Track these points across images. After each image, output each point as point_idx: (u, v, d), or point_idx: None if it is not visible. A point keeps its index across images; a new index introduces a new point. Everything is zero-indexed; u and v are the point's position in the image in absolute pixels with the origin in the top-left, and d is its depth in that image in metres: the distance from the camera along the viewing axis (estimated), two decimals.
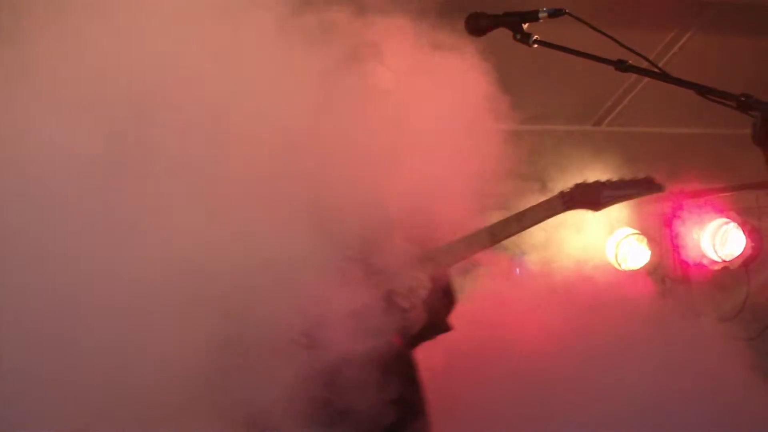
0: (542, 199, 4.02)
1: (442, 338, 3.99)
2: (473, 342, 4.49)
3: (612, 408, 4.63)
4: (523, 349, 4.61)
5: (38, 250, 3.12)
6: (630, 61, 3.11)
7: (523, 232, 4.02)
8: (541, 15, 3.19)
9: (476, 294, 4.64)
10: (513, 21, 3.20)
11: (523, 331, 4.67)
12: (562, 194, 3.93)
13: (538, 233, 4.95)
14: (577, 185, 3.94)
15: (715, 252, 5.98)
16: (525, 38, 3.20)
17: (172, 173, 3.21)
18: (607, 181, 3.98)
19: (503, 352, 4.58)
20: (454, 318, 3.97)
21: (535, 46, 3.20)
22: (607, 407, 4.62)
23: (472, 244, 3.84)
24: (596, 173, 5.09)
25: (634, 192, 4.00)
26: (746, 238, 5.93)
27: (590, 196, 3.93)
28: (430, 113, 3.63)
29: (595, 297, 5.07)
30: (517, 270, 5.32)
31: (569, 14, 3.17)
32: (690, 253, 6.04)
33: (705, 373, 4.99)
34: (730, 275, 6.06)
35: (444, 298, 3.89)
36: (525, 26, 3.20)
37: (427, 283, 3.72)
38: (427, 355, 3.97)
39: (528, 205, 3.98)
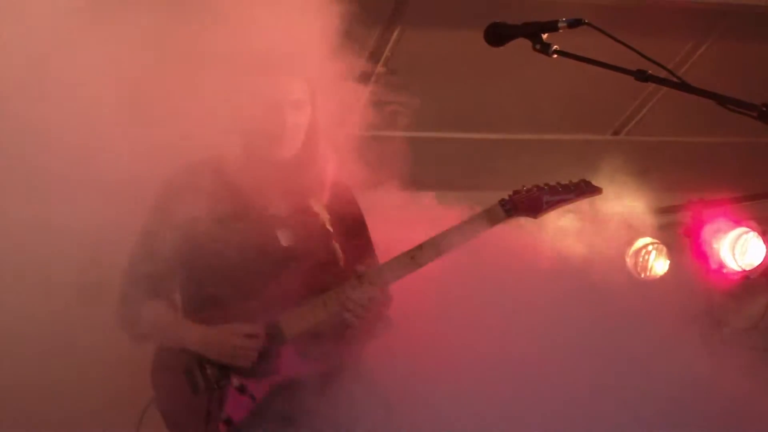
0: None
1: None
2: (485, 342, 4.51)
3: (629, 414, 4.62)
4: (538, 356, 4.61)
5: None
6: (649, 71, 3.11)
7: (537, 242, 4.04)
8: (560, 25, 3.19)
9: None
10: (532, 31, 3.21)
11: (538, 340, 4.67)
12: (502, 202, 3.92)
13: (559, 243, 4.95)
14: (516, 192, 3.93)
15: (735, 261, 5.96)
16: (544, 48, 3.21)
17: None
18: (546, 185, 3.96)
19: (517, 359, 4.58)
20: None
21: (555, 56, 3.21)
22: (625, 414, 4.61)
23: (419, 259, 3.83)
24: (616, 182, 5.10)
25: (572, 196, 3.99)
26: (766, 248, 5.91)
27: (530, 203, 3.93)
28: None
29: (615, 306, 5.06)
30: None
31: (588, 24, 3.18)
32: (710, 263, 6.02)
33: (724, 383, 4.98)
34: (750, 285, 6.04)
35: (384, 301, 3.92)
36: (544, 36, 3.21)
37: (382, 299, 3.78)
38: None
39: None
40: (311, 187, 3.82)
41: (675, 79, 3.13)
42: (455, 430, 4.17)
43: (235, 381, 3.66)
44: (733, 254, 5.96)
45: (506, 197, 3.91)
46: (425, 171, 4.15)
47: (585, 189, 4.01)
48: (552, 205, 3.95)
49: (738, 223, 5.96)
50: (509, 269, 4.64)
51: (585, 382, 4.64)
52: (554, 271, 5.01)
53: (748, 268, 5.96)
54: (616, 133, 6.00)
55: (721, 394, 4.92)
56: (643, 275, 5.94)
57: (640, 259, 5.94)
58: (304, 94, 3.70)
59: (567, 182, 4.00)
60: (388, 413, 3.90)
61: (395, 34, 4.92)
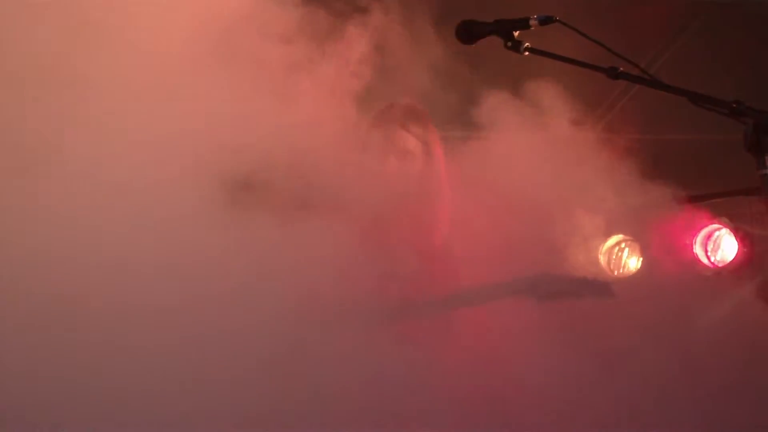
0: None
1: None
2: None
3: (604, 412, 4.62)
4: (518, 354, 4.60)
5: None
6: (621, 68, 3.11)
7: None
8: (531, 22, 3.19)
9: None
10: (504, 29, 3.20)
11: (518, 341, 4.66)
12: None
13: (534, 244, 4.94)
14: None
15: (708, 258, 5.97)
16: (516, 46, 3.21)
17: None
18: None
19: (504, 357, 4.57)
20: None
21: (526, 53, 3.20)
22: (601, 412, 4.61)
23: None
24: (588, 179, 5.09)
25: None
26: (739, 244, 5.93)
27: None
28: None
29: (589, 304, 5.06)
30: None
31: (560, 21, 3.17)
32: (682, 259, 6.03)
33: (699, 380, 4.99)
34: (722, 281, 6.06)
35: None
36: (516, 34, 3.20)
37: None
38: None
39: None
40: None
41: (647, 77, 3.13)
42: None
43: None
44: (706, 251, 5.98)
45: None
46: None
47: None
48: None
49: (711, 219, 5.98)
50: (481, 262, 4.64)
51: (558, 378, 4.64)
52: (529, 267, 5.02)
53: (720, 265, 5.97)
54: (590, 130, 6.00)
55: (693, 389, 4.93)
56: (615, 272, 5.95)
57: (613, 256, 5.95)
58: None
59: None
60: None
61: None
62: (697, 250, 5.99)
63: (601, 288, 4.84)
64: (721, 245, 5.98)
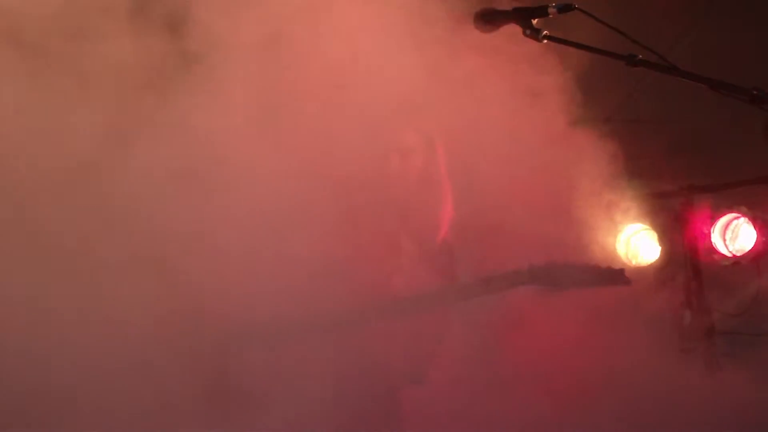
0: None
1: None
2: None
3: (613, 402, 4.62)
4: (525, 346, 4.61)
5: None
6: (640, 56, 3.10)
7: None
8: (550, 10, 3.18)
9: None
10: (522, 17, 3.20)
11: (530, 326, 4.66)
12: None
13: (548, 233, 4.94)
14: None
15: (726, 247, 5.96)
16: (534, 34, 3.20)
17: None
18: None
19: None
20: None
21: (545, 41, 3.20)
22: (609, 401, 4.61)
23: None
24: (607, 168, 5.08)
25: None
26: (757, 233, 5.91)
27: None
28: None
29: (604, 293, 5.06)
30: None
31: (579, 9, 3.16)
32: (701, 248, 6.02)
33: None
34: (740, 270, 6.04)
35: None
36: (534, 22, 3.20)
37: None
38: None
39: None
40: None
41: (665, 64, 3.12)
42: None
43: None
44: (724, 240, 5.96)
45: None
46: None
47: None
48: None
49: (729, 208, 5.96)
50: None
51: (571, 366, 4.64)
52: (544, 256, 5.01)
53: (738, 254, 5.96)
54: (607, 119, 5.98)
55: (710, 379, 4.93)
56: (633, 262, 5.94)
57: (631, 246, 5.94)
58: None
59: None
60: None
61: None
62: (716, 239, 5.98)
63: (616, 277, 4.84)
64: (740, 234, 5.97)
